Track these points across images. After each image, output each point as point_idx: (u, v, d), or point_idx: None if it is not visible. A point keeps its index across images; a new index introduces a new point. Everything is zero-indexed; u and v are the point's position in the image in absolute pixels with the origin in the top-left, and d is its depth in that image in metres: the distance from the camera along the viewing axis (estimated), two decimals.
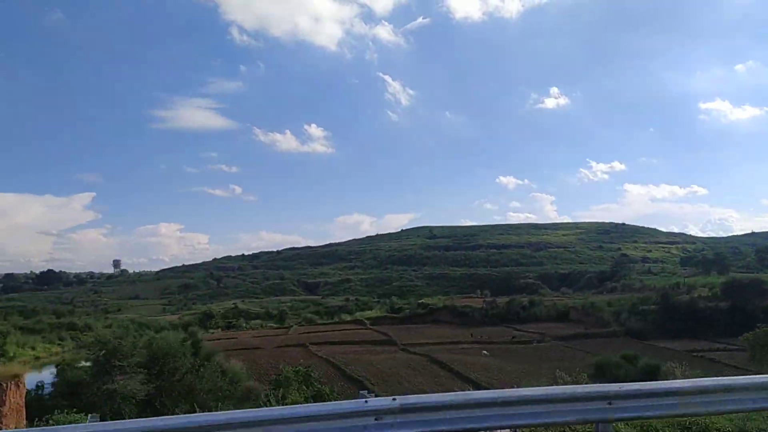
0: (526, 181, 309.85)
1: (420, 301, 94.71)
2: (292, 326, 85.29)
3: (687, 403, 5.58)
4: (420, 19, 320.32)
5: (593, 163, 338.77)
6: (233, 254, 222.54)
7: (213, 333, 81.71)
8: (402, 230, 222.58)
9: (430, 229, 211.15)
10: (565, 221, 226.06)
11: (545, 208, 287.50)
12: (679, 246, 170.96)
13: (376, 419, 4.87)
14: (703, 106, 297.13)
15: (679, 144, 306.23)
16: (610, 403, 5.35)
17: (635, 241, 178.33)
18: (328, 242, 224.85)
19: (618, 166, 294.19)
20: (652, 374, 43.33)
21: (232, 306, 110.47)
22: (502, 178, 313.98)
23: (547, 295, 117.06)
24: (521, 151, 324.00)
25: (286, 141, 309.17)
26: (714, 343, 63.76)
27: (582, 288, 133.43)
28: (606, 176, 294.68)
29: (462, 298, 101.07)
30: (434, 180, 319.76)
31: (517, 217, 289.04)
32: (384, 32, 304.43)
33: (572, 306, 79.20)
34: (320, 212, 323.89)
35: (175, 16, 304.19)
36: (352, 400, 5.12)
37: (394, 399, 4.98)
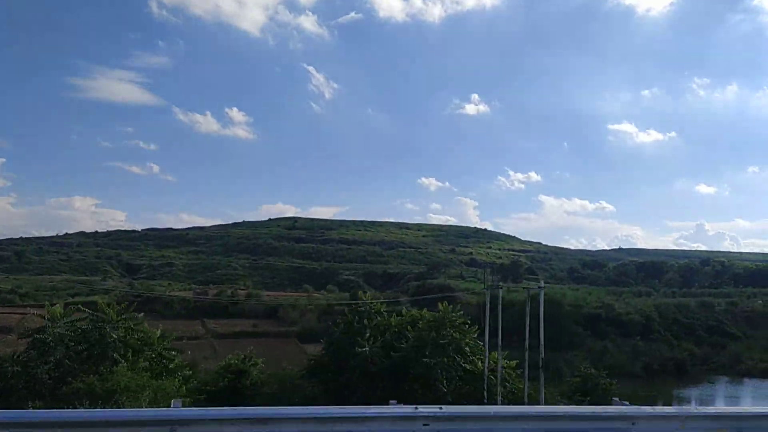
0: (447, 184, 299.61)
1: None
2: None
3: None
4: (344, 14, 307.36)
5: (511, 172, 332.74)
6: (101, 230, 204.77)
7: None
8: (270, 219, 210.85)
9: (295, 219, 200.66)
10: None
11: (468, 213, 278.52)
12: (529, 255, 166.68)
13: None
14: (611, 127, 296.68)
15: (590, 161, 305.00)
16: None
17: (489, 247, 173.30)
18: (192, 225, 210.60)
19: (534, 176, 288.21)
20: None
21: None
22: (423, 179, 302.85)
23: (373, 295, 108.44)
24: (442, 153, 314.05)
25: (206, 123, 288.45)
26: None
27: (401, 288, 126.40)
28: (522, 186, 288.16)
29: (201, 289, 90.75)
30: (358, 176, 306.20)
31: (437, 219, 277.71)
32: (308, 23, 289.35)
33: (281, 303, 69.93)
34: (244, 198, 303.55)
35: None
36: None
37: None
